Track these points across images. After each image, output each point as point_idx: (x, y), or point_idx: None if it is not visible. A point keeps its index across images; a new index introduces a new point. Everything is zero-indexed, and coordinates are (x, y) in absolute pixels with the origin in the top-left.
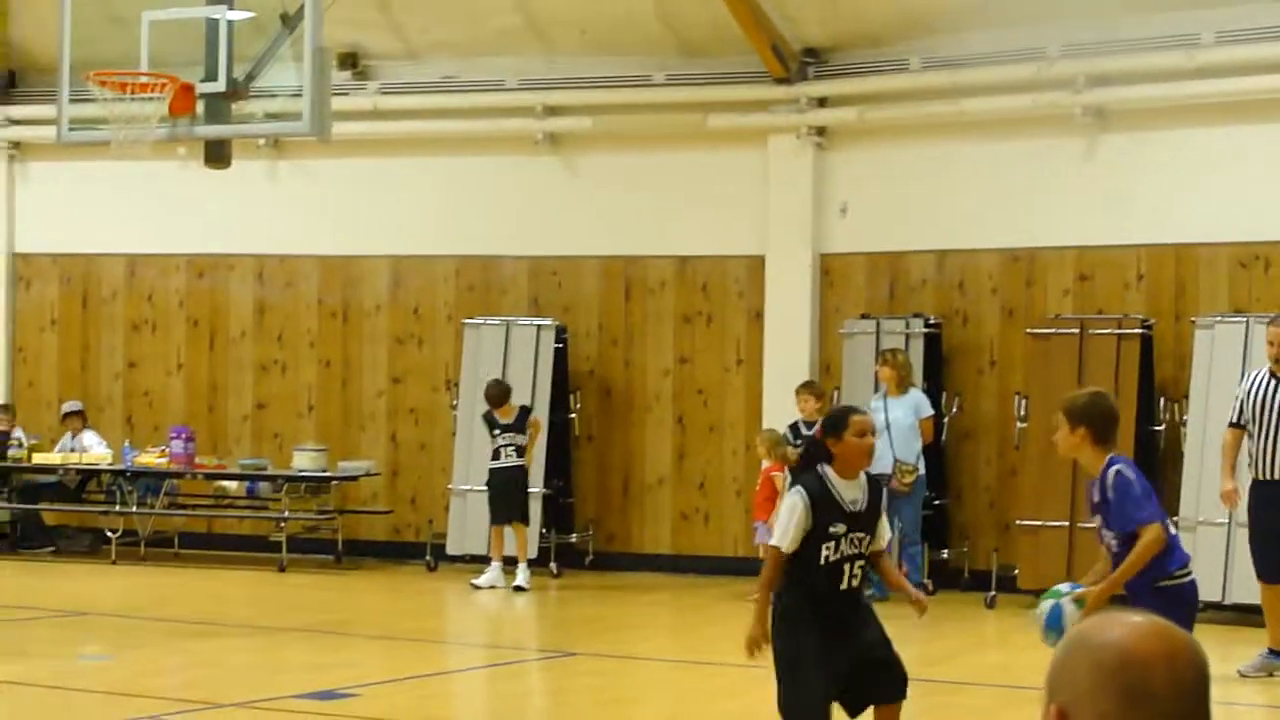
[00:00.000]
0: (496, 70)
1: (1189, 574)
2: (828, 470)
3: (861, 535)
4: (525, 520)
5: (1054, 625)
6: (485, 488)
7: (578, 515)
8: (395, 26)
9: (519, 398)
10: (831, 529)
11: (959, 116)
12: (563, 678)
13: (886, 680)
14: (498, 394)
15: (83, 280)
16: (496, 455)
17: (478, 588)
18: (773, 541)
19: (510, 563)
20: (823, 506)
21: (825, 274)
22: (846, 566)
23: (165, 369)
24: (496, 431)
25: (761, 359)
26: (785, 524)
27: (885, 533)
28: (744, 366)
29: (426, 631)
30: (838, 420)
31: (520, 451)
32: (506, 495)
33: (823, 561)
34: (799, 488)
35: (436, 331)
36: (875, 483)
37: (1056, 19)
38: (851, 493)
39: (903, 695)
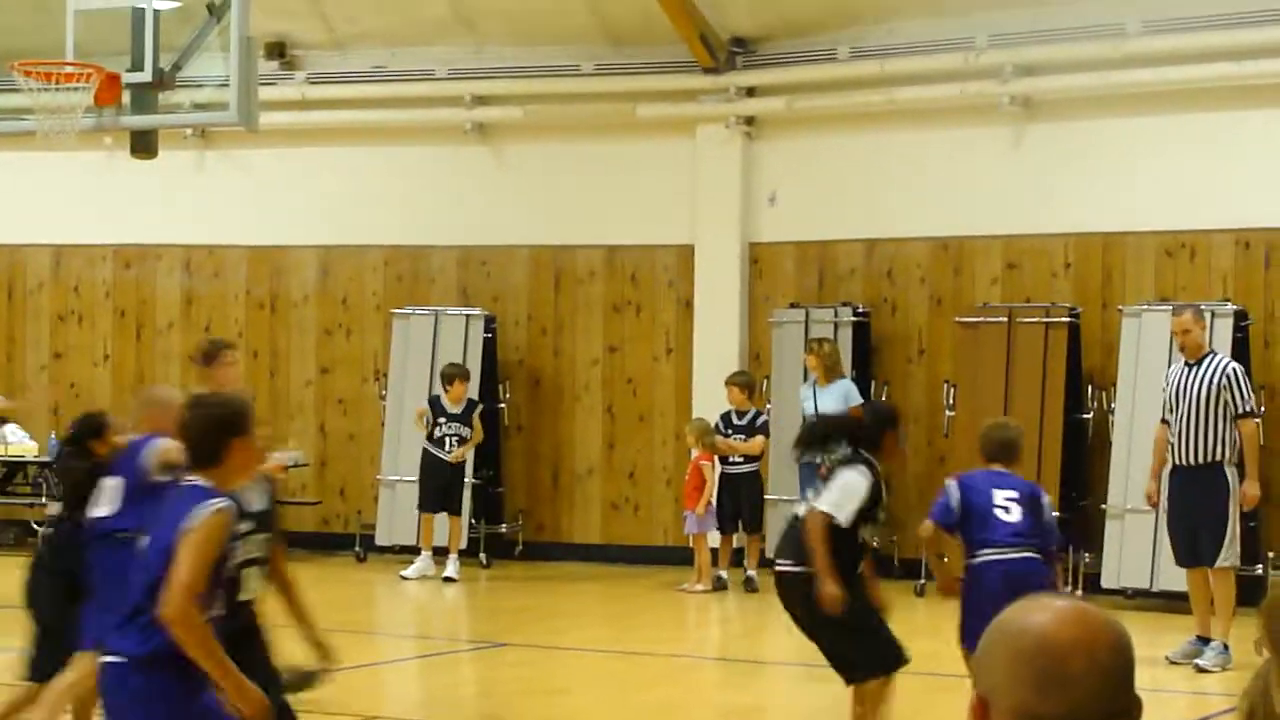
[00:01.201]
0: (425, 60)
1: (986, 556)
2: (875, 460)
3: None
4: (457, 510)
5: None
6: (418, 473)
7: (507, 505)
8: (323, 16)
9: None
10: (876, 513)
11: (888, 106)
12: (493, 668)
13: None
14: (452, 376)
15: (7, 271)
16: (440, 443)
17: (407, 579)
18: (827, 509)
19: (440, 553)
20: (875, 491)
21: (754, 263)
22: (864, 551)
23: (92, 360)
24: (442, 420)
25: (691, 348)
26: (843, 499)
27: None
28: (673, 356)
29: (356, 623)
30: (894, 418)
31: (461, 443)
32: (441, 484)
33: (858, 540)
34: (863, 468)
35: (365, 321)
36: None
37: (984, 8)
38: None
39: None
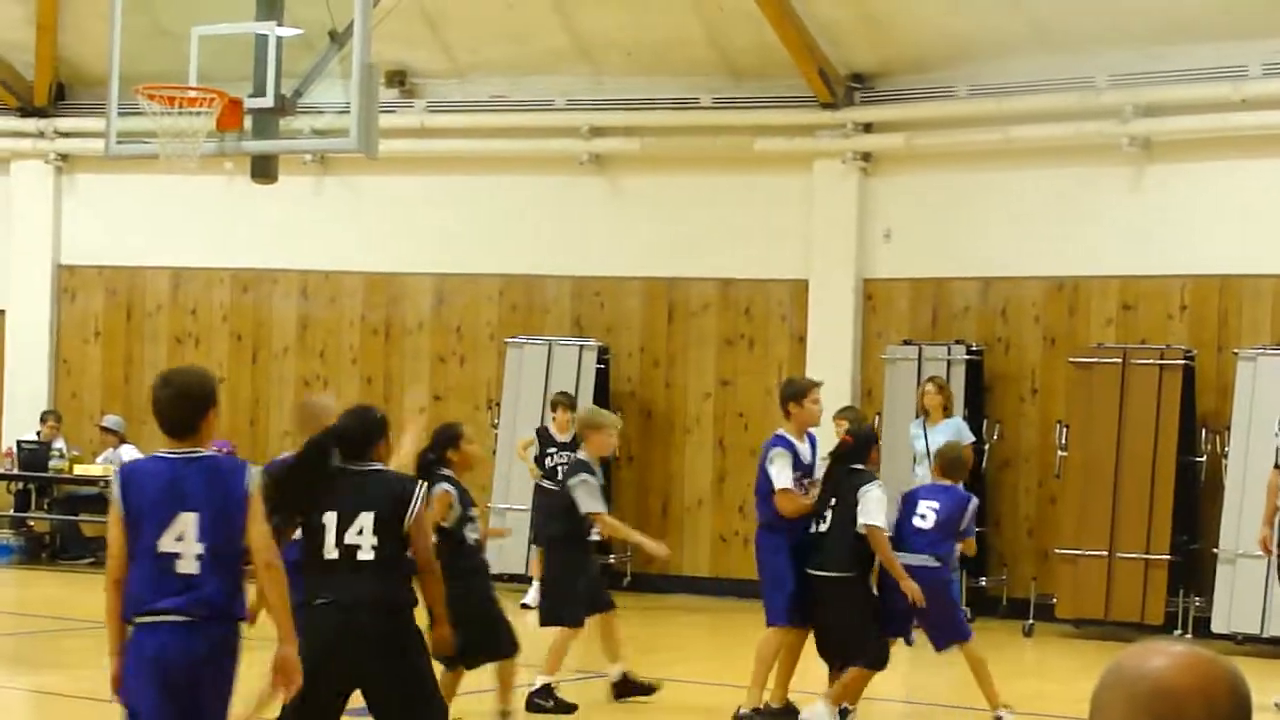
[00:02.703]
0: (543, 90)
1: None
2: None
3: None
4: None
5: None
6: (531, 506)
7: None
8: (444, 45)
9: None
10: None
11: (1005, 144)
12: (597, 699)
13: None
14: (556, 404)
15: (127, 293)
16: (552, 474)
17: (528, 607)
18: (879, 525)
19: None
20: None
21: (868, 299)
22: None
23: None
24: (551, 450)
25: None
26: (880, 509)
27: None
28: None
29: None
30: (875, 438)
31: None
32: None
33: None
34: (879, 481)
35: (478, 350)
36: None
37: (1104, 48)
38: None
39: None
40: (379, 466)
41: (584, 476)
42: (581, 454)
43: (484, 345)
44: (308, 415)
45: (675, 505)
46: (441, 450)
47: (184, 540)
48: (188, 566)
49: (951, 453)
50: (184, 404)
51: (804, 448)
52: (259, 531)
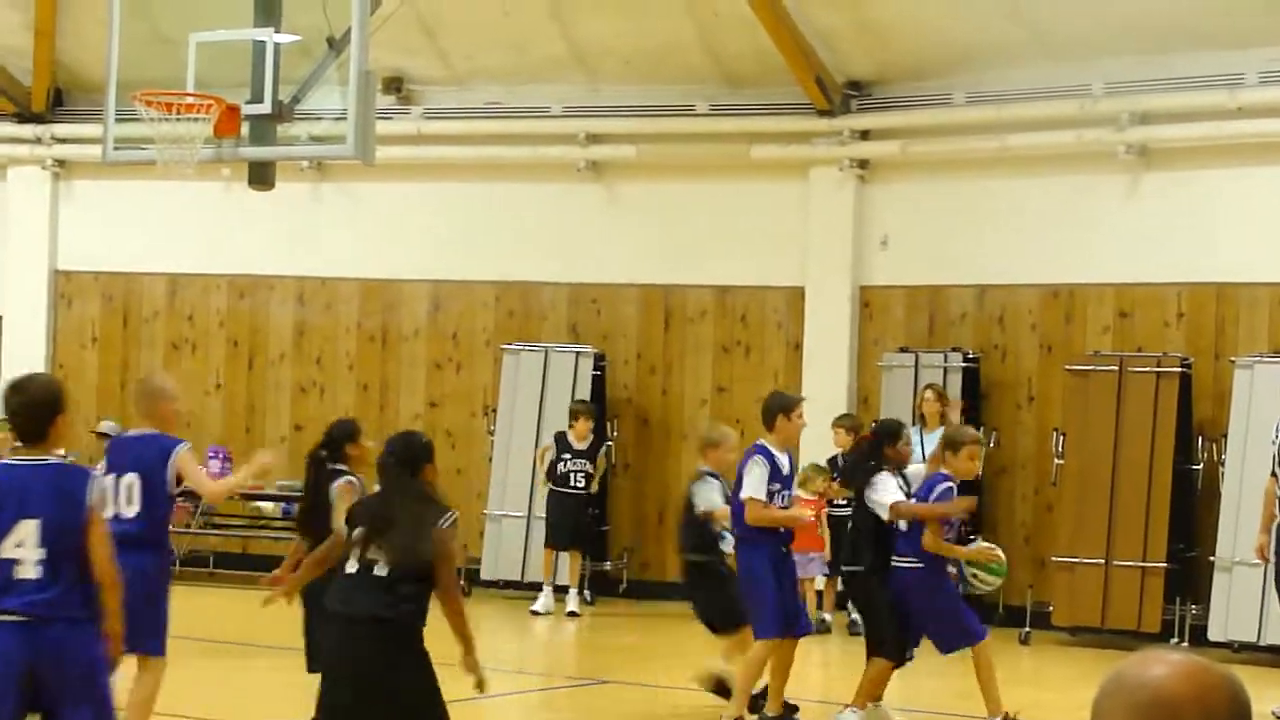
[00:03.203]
0: (540, 97)
1: None
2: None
3: None
4: (583, 547)
5: None
6: (546, 510)
7: (613, 543)
8: (440, 52)
9: (555, 424)
10: None
11: (1001, 152)
12: (594, 705)
13: None
14: (578, 413)
15: (124, 299)
16: (564, 480)
17: (538, 614)
18: (892, 501)
19: (561, 589)
20: None
21: (865, 306)
22: None
23: (204, 389)
24: (566, 455)
25: (800, 390)
26: (888, 488)
27: None
28: None
29: (458, 656)
30: (897, 432)
31: (588, 479)
32: (571, 521)
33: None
34: (888, 471)
35: (475, 357)
36: None
37: (1101, 56)
38: None
39: None
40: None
41: (706, 479)
42: (704, 465)
43: (480, 352)
44: (143, 394)
45: (671, 512)
46: (338, 446)
47: (24, 546)
48: (26, 572)
49: (956, 434)
50: (32, 411)
51: (783, 460)
52: (98, 540)
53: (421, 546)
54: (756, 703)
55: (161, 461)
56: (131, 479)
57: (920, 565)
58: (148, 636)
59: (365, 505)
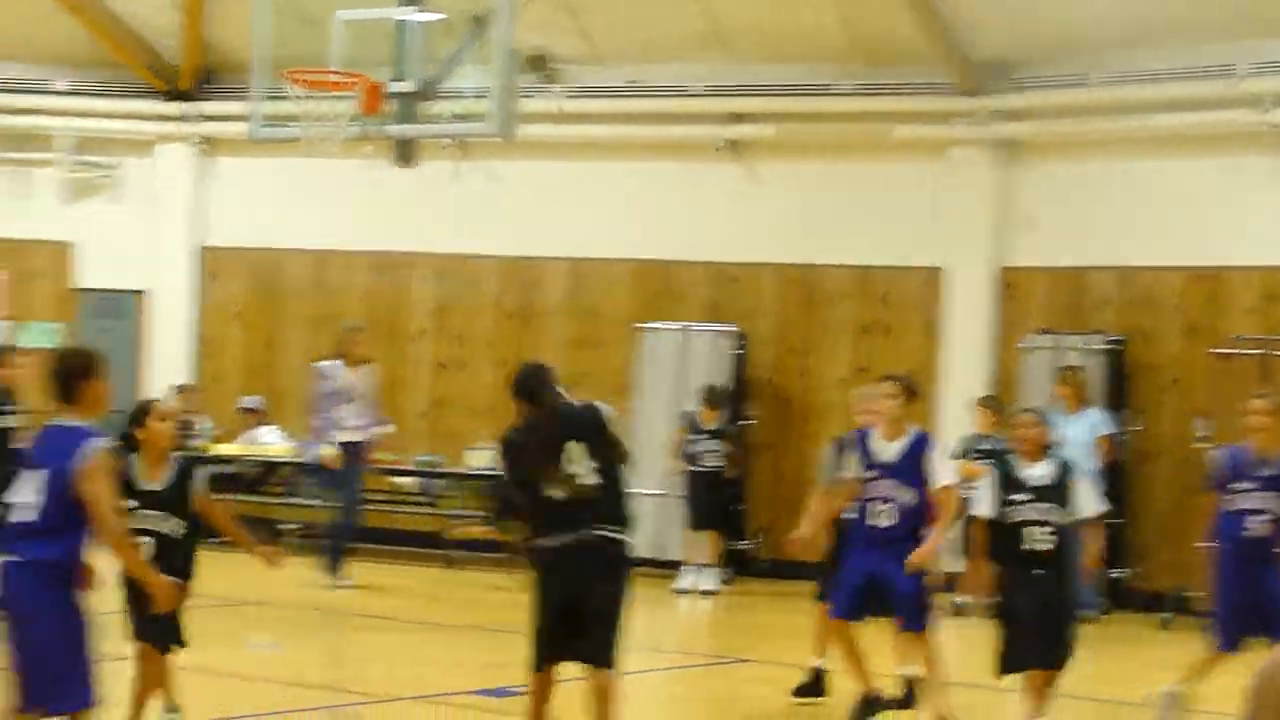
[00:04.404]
0: (681, 76)
1: None
2: None
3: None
4: (718, 526)
5: None
6: (686, 491)
7: (751, 522)
8: (583, 31)
9: (694, 404)
10: None
11: (1145, 132)
12: (732, 684)
13: None
14: (713, 400)
15: (270, 275)
16: (694, 459)
17: (683, 592)
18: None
19: (701, 568)
20: None
21: (1006, 288)
22: None
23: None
24: (699, 436)
25: (939, 371)
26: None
27: None
28: (921, 379)
29: None
30: None
31: (721, 458)
32: (709, 501)
33: None
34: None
35: (613, 335)
36: None
37: (1246, 36)
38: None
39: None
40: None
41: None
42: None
43: (618, 330)
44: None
45: (809, 491)
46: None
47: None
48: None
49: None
50: (61, 375)
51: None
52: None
53: None
54: (907, 695)
55: None
56: None
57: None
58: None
59: None
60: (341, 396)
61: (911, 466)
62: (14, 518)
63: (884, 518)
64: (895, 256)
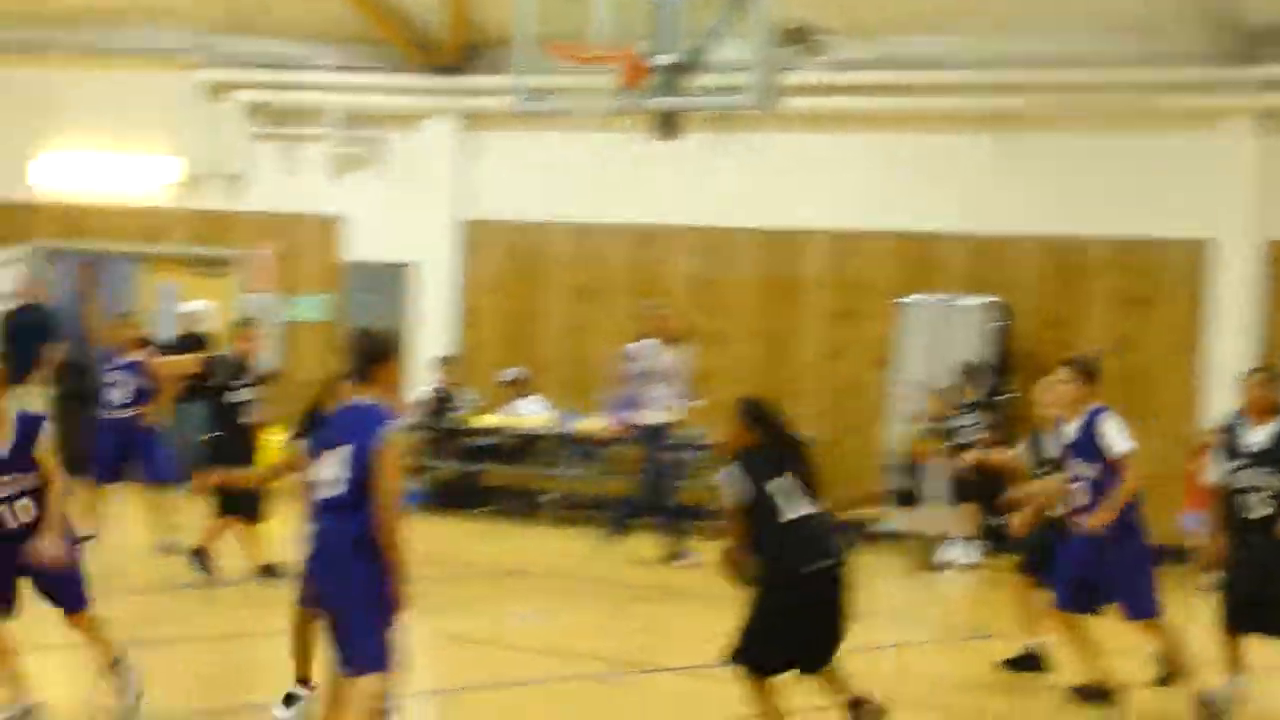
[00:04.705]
0: (942, 48)
1: None
2: None
3: None
4: (980, 500)
5: None
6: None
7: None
8: (844, 3)
9: (954, 376)
10: None
11: None
12: (976, 661)
13: None
14: (973, 373)
15: (532, 247)
16: (953, 434)
17: (946, 565)
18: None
19: (962, 541)
20: None
21: (1276, 261)
22: None
23: (607, 338)
24: (961, 410)
25: (1204, 346)
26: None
27: None
28: (1185, 353)
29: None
30: None
31: (981, 431)
32: (967, 474)
33: None
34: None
35: (875, 307)
36: None
37: None
38: None
39: None
40: None
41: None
42: None
43: (880, 303)
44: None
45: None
46: None
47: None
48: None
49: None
50: (353, 358)
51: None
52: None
53: None
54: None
55: None
56: None
57: None
58: None
59: None
60: (654, 377)
61: (1089, 441)
62: (322, 494)
63: (1077, 496)
64: (1158, 228)
